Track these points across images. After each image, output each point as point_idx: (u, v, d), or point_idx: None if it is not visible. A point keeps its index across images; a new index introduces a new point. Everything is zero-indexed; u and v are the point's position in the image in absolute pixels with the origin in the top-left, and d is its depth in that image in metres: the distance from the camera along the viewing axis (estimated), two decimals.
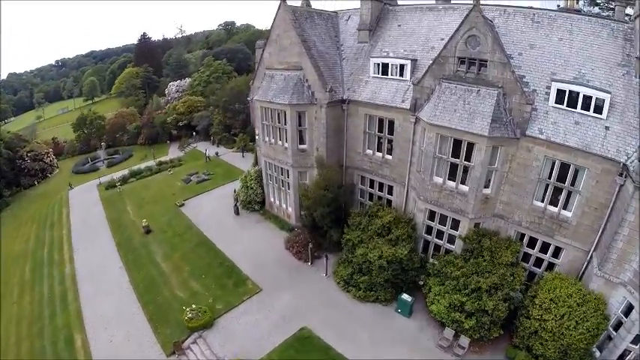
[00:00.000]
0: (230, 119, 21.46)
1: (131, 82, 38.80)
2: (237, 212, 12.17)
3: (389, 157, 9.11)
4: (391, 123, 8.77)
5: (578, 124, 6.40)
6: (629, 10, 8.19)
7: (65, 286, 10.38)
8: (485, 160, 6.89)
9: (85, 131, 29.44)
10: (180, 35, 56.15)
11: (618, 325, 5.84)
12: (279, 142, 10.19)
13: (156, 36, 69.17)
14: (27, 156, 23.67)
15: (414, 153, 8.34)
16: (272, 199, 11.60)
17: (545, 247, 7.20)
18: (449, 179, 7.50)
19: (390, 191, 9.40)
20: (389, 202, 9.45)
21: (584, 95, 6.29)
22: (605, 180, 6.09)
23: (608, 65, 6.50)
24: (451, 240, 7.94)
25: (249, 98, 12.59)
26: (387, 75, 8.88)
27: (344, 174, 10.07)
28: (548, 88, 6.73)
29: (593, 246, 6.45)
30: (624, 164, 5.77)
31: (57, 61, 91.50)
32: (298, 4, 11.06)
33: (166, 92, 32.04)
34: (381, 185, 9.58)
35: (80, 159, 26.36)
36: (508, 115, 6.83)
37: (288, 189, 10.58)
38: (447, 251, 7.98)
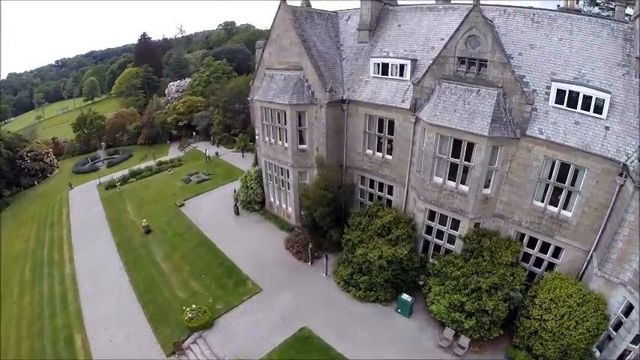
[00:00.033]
0: (230, 119, 21.47)
1: (131, 82, 38.83)
2: (237, 212, 12.17)
3: (389, 157, 9.11)
4: (391, 123, 8.77)
5: (578, 124, 6.40)
6: (629, 10, 8.20)
7: (65, 286, 10.39)
8: (485, 160, 6.89)
9: (85, 131, 29.47)
10: (180, 35, 56.25)
11: (618, 325, 5.85)
12: (279, 142, 10.20)
13: (156, 36, 69.56)
14: (27, 156, 23.68)
15: (414, 153, 8.35)
16: (272, 199, 11.61)
17: (545, 247, 7.21)
18: (449, 179, 7.50)
19: (390, 191, 9.41)
20: (389, 202, 9.45)
21: (584, 95, 6.30)
22: (605, 180, 6.10)
23: (608, 65, 6.50)
24: (451, 240, 7.94)
25: (249, 98, 12.60)
26: (387, 75, 8.88)
27: (344, 174, 10.08)
28: (548, 88, 6.74)
29: (593, 246, 6.45)
30: (624, 164, 5.77)
31: (57, 61, 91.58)
32: (298, 3, 11.09)
33: (166, 92, 32.06)
34: (381, 185, 9.58)
35: (80, 159, 26.37)
36: (508, 115, 6.84)
37: (288, 189, 10.58)
38: (447, 251, 7.99)
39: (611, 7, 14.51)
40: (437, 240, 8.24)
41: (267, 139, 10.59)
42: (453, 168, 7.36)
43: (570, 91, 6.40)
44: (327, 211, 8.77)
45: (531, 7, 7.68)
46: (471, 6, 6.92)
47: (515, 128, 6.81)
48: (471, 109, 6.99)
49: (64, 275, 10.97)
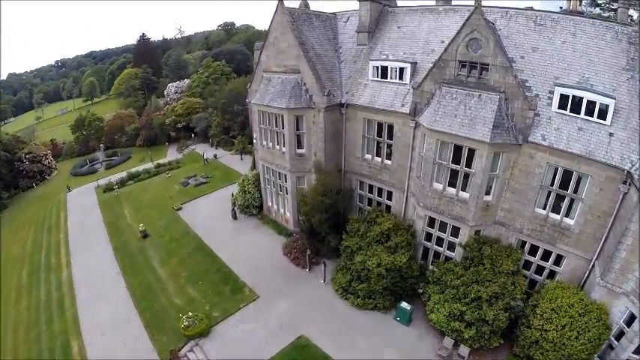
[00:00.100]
0: (228, 121, 21.37)
1: (130, 83, 38.81)
2: (234, 217, 12.06)
3: (388, 162, 8.98)
4: (390, 127, 8.63)
5: (581, 130, 6.26)
6: (631, 12, 8.00)
7: (62, 292, 10.34)
8: (487, 166, 6.76)
9: (84, 133, 29.51)
10: (179, 36, 56.10)
11: (620, 335, 5.75)
12: (277, 147, 10.07)
13: (155, 36, 69.10)
14: (25, 158, 23.71)
15: (413, 158, 8.22)
16: (270, 204, 11.49)
17: (546, 255, 7.09)
18: (449, 186, 7.37)
19: (390, 197, 9.28)
20: (388, 207, 9.33)
21: (587, 100, 6.15)
22: (608, 188, 5.96)
23: (612, 69, 6.35)
24: (451, 247, 7.83)
25: (247, 100, 12.46)
26: (387, 78, 8.73)
27: (342, 179, 9.95)
28: (551, 92, 6.59)
29: (596, 254, 6.33)
30: (628, 172, 5.64)
31: (57, 62, 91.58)
32: (297, 4, 10.91)
33: (165, 93, 32.01)
34: (380, 191, 9.46)
35: (78, 161, 26.44)
36: (510, 120, 6.70)
37: (286, 194, 10.46)
38: (447, 258, 7.88)
39: (613, 7, 14.32)
40: (437, 247, 8.12)
41: (264, 143, 10.47)
42: (454, 174, 7.23)
43: (574, 96, 6.26)
44: (325, 217, 8.67)
45: (531, 8, 7.52)
46: (473, 8, 6.76)
47: (518, 134, 6.67)
48: (472, 114, 6.85)
49: (61, 280, 10.92)
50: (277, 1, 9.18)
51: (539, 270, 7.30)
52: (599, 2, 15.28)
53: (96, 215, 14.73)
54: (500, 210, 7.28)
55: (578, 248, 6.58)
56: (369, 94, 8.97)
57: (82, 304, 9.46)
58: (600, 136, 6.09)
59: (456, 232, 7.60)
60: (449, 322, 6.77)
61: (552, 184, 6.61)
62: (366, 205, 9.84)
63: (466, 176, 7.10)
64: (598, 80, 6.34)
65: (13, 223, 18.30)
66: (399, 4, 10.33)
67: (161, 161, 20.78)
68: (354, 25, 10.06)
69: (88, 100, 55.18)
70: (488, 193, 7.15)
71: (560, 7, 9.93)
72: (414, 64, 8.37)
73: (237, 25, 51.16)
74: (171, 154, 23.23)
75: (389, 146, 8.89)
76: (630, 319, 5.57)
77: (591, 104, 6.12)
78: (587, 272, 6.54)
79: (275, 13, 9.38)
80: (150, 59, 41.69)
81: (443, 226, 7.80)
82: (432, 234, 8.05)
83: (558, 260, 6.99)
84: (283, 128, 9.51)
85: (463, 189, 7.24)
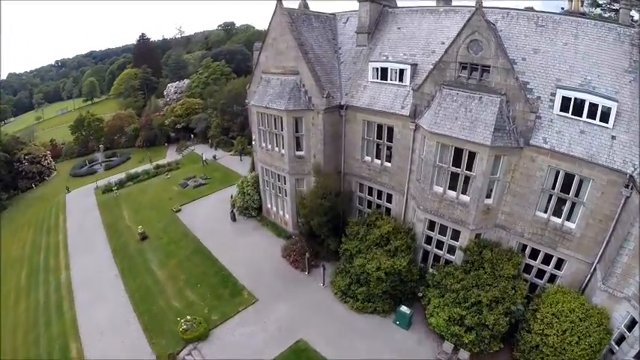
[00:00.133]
0: (228, 122, 21.33)
1: (130, 83, 38.77)
2: (233, 218, 12.00)
3: (388, 164, 8.91)
4: (390, 129, 8.57)
5: (583, 134, 6.19)
6: (633, 12, 7.90)
7: (61, 294, 10.30)
8: (488, 169, 6.70)
9: (83, 133, 29.51)
10: (179, 36, 55.93)
11: (621, 340, 5.71)
12: (276, 149, 10.00)
13: (155, 36, 69.15)
14: (24, 159, 23.69)
15: (413, 161, 8.15)
16: (269, 206, 11.44)
17: (547, 259, 7.03)
18: (449, 189, 7.31)
19: (389, 199, 9.22)
20: (388, 210, 9.27)
21: (590, 103, 6.08)
22: (610, 191, 5.90)
23: (614, 72, 6.27)
24: (451, 250, 7.77)
25: (247, 101, 12.38)
26: (386, 80, 8.66)
27: (342, 181, 9.89)
28: (553, 95, 6.52)
29: (597, 258, 6.28)
30: (630, 175, 5.58)
31: (57, 62, 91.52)
32: (296, 4, 10.83)
33: (165, 94, 31.99)
34: (379, 193, 9.39)
35: (78, 161, 26.44)
36: (511, 123, 6.62)
37: (286, 196, 10.40)
38: (447, 262, 7.82)
39: (614, 7, 14.21)
40: (437, 250, 8.07)
41: (263, 144, 10.40)
42: (454, 177, 7.17)
43: (576, 99, 6.19)
44: (324, 220, 8.61)
45: (532, 8, 7.43)
46: (473, 9, 6.68)
47: (519, 137, 6.60)
48: (472, 116, 6.78)
49: (59, 282, 10.88)
50: (276, 2, 9.10)
51: (540, 274, 7.25)
52: (599, 2, 15.19)
53: (95, 217, 14.69)
54: (501, 213, 7.22)
55: (579, 252, 6.52)
56: (369, 95, 8.90)
57: (81, 306, 9.42)
58: (602, 140, 6.02)
59: (456, 235, 7.54)
60: (449, 326, 6.72)
61: (554, 187, 6.55)
62: (365, 208, 9.78)
63: (466, 179, 7.04)
64: (600, 82, 6.27)
65: (12, 224, 18.27)
66: (399, 4, 10.23)
67: (160, 162, 20.72)
68: (353, 25, 9.98)
69: (88, 100, 55.16)
70: (488, 196, 7.09)
71: (562, 8, 9.81)
72: (414, 65, 8.29)
73: (237, 25, 51.06)
74: (171, 155, 23.19)
75: (389, 148, 8.82)
76: (631, 324, 5.54)
77: (593, 107, 6.06)
78: (589, 276, 6.49)
79: (274, 13, 9.31)
80: (149, 59, 41.63)
81: (443, 230, 7.74)
82: (432, 237, 7.99)
83: (559, 264, 6.94)
84: (282, 130, 9.45)
85: (464, 192, 7.17)
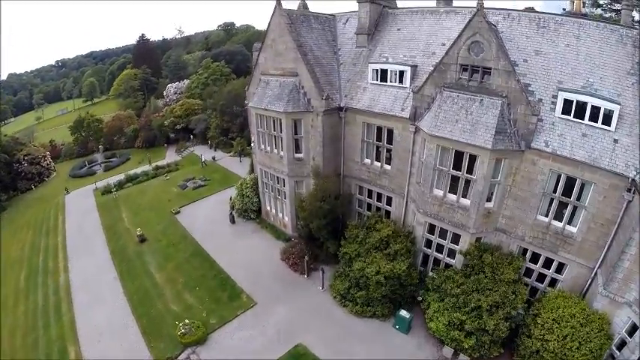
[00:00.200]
0: (227, 123, 21.26)
1: (129, 83, 38.73)
2: (232, 221, 11.96)
3: (387, 167, 8.85)
4: (390, 132, 8.49)
5: (585, 137, 6.11)
6: (634, 13, 7.80)
7: (59, 296, 10.27)
8: (488, 173, 6.63)
9: (83, 134, 29.46)
10: (179, 36, 55.80)
11: (622, 345, 5.64)
12: (275, 151, 9.94)
13: (156, 36, 68.90)
14: (24, 159, 23.64)
15: (413, 164, 8.08)
16: (268, 208, 11.38)
17: (548, 263, 6.97)
18: (450, 192, 7.24)
19: (389, 202, 9.15)
20: (387, 213, 9.20)
21: (592, 106, 6.00)
22: (612, 195, 5.83)
23: (617, 74, 6.20)
24: (451, 254, 7.71)
25: (246, 102, 12.32)
26: (386, 82, 8.59)
27: (341, 183, 9.82)
28: (555, 97, 6.44)
29: (598, 263, 6.21)
30: (633, 179, 5.51)
31: (57, 62, 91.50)
32: (296, 4, 10.75)
33: (165, 94, 31.92)
34: (379, 196, 9.32)
35: (77, 162, 26.39)
36: (513, 126, 6.55)
37: (285, 198, 10.35)
38: (447, 265, 7.76)
39: (614, 8, 14.11)
40: (437, 254, 8.01)
41: (262, 146, 10.34)
42: (454, 180, 7.10)
43: (578, 101, 6.11)
44: (323, 223, 8.55)
45: (532, 8, 7.32)
46: (474, 10, 6.60)
47: (520, 140, 6.52)
48: (473, 119, 6.70)
49: (58, 284, 10.84)
50: (275, 3, 9.02)
51: (541, 277, 7.19)
52: (600, 3, 15.09)
53: (94, 218, 14.65)
54: (502, 217, 7.15)
55: (580, 256, 6.46)
56: (369, 97, 8.83)
57: (79, 309, 9.39)
58: (605, 143, 5.94)
59: (456, 239, 7.48)
60: (448, 331, 6.67)
61: (555, 191, 6.48)
62: (365, 210, 9.72)
63: (467, 183, 6.97)
64: (602, 85, 6.19)
65: (11, 225, 18.23)
66: (399, 5, 10.14)
67: (160, 163, 20.64)
68: (353, 26, 9.90)
69: (88, 100, 55.14)
70: (489, 199, 7.02)
71: (564, 9, 9.72)
72: (414, 67, 8.22)
73: (237, 25, 50.91)
74: (170, 156, 23.11)
75: (388, 151, 8.75)
76: (632, 330, 5.47)
77: (595, 110, 5.98)
78: (590, 280, 6.43)
79: (273, 14, 9.23)
80: (149, 60, 41.57)
81: (443, 233, 7.68)
82: (432, 241, 7.93)
83: (560, 268, 6.87)
84: (281, 132, 9.39)
85: (464, 195, 7.11)
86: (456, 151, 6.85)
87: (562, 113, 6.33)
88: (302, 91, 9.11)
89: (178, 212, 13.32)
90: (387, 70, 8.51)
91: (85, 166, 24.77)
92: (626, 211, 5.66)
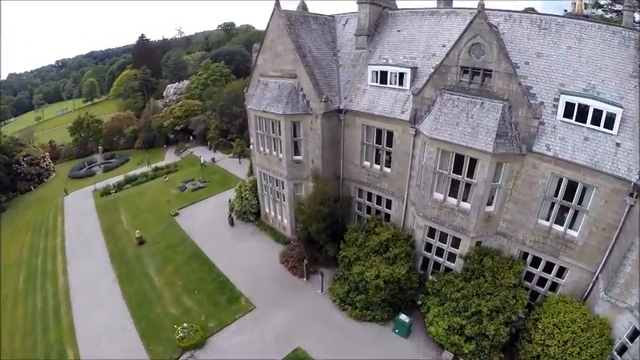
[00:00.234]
0: (227, 124, 21.19)
1: (129, 84, 38.67)
2: (231, 223, 11.90)
3: (387, 169, 8.78)
4: (390, 134, 8.44)
5: (587, 140, 6.05)
6: (636, 15, 7.73)
7: (58, 299, 10.24)
8: (489, 177, 6.57)
9: (82, 135, 29.43)
10: (179, 36, 55.66)
11: (622, 350, 5.60)
12: (274, 153, 9.89)
13: (156, 37, 68.61)
14: (23, 160, 23.62)
15: (413, 167, 8.03)
16: (267, 210, 11.33)
17: (549, 267, 6.92)
18: (450, 196, 7.19)
19: (389, 205, 9.09)
20: (387, 216, 9.15)
21: (594, 109, 5.93)
22: (614, 200, 5.77)
23: (619, 76, 6.12)
24: (451, 258, 7.66)
25: (245, 103, 12.26)
26: (386, 84, 8.52)
27: (341, 186, 9.77)
28: (557, 100, 6.37)
29: (600, 267, 6.16)
30: (635, 184, 5.44)
31: (57, 62, 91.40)
32: (295, 4, 10.67)
33: (164, 94, 31.84)
34: (379, 199, 9.27)
35: (77, 163, 26.34)
36: (514, 129, 6.48)
37: (284, 201, 10.30)
38: (447, 269, 7.71)
39: (615, 9, 14.01)
40: (437, 257, 7.96)
41: (261, 149, 10.28)
42: (455, 184, 7.05)
43: (580, 104, 6.05)
44: (322, 227, 8.51)
45: (533, 9, 7.23)
46: (475, 11, 6.53)
47: (521, 144, 6.46)
48: (474, 122, 6.64)
49: (57, 287, 10.81)
50: (274, 4, 8.95)
51: (542, 282, 7.14)
52: (601, 3, 14.99)
53: (93, 220, 14.61)
54: (503, 221, 7.10)
55: (581, 261, 6.41)
56: (368, 99, 8.76)
57: (78, 312, 9.37)
58: (607, 147, 5.88)
59: (456, 242, 7.43)
60: (448, 335, 6.62)
61: (556, 195, 6.42)
62: (365, 213, 9.67)
63: (467, 186, 6.92)
64: (605, 88, 6.12)
65: (11, 226, 18.22)
66: (399, 6, 10.06)
67: (159, 164, 20.57)
68: (353, 27, 9.83)
69: (88, 100, 55.11)
70: (490, 203, 6.96)
71: (565, 10, 9.63)
72: (414, 69, 8.15)
73: (237, 25, 50.75)
74: (170, 157, 23.04)
75: (388, 154, 8.69)
76: (633, 334, 5.43)
77: (598, 113, 5.91)
78: (591, 285, 6.38)
79: (271, 15, 9.16)
80: (149, 60, 41.48)
81: (443, 237, 7.63)
82: (431, 244, 7.88)
83: (561, 272, 6.82)
84: (280, 134, 9.33)
85: (464, 199, 7.05)
86: (456, 154, 6.80)
87: (564, 116, 6.26)
88: (301, 93, 9.05)
89: (177, 214, 13.27)
90: (386, 71, 8.45)
91: (85, 167, 24.72)
92: (628, 215, 5.61)
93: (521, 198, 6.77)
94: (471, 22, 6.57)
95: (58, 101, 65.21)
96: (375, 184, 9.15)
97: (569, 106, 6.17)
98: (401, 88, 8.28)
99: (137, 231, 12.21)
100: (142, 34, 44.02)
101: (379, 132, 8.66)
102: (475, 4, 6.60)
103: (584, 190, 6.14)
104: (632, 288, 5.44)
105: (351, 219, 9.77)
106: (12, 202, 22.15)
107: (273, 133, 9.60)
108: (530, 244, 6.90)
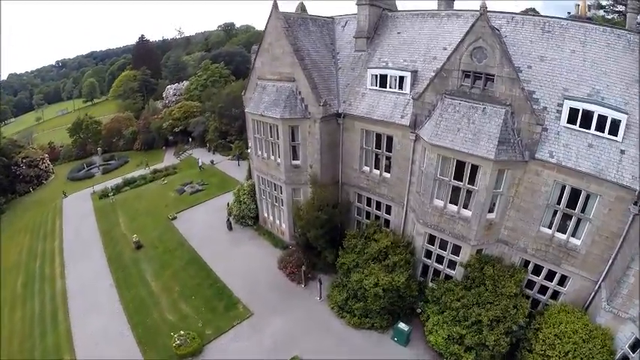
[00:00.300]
0: (226, 125, 21.09)
1: (129, 85, 38.58)
2: (230, 227, 11.81)
3: (387, 175, 8.66)
4: (389, 139, 8.30)
5: (591, 147, 5.90)
6: (639, 17, 7.54)
7: (56, 304, 10.18)
8: (491, 184, 6.43)
9: (82, 136, 29.35)
10: (179, 36, 55.47)
11: (624, 359, 5.47)
12: (272, 157, 9.77)
13: (155, 37, 68.30)
14: (22, 162, 23.55)
15: (413, 172, 7.90)
16: (266, 215, 11.24)
17: (550, 275, 6.80)
18: (450, 203, 7.06)
19: (388, 211, 8.97)
20: (387, 222, 9.03)
21: (598, 115, 5.78)
22: (618, 208, 5.64)
23: (624, 81, 5.97)
24: (452, 265, 7.54)
25: (244, 105, 12.11)
26: (386, 87, 8.37)
27: (340, 191, 9.65)
28: (560, 105, 6.22)
29: (602, 276, 6.04)
30: (639, 192, 5.33)
31: (57, 62, 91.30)
32: (295, 5, 10.49)
33: (164, 95, 31.72)
34: (378, 204, 9.15)
35: (76, 165, 26.21)
36: (516, 135, 6.34)
37: (282, 205, 10.20)
38: (447, 277, 7.60)
39: (617, 9, 13.80)
40: (437, 265, 7.85)
41: (259, 153, 10.17)
42: (455, 191, 6.92)
43: (584, 110, 5.89)
44: (321, 233, 8.41)
45: (533, 9, 7.06)
46: (477, 13, 6.40)
47: (524, 150, 6.31)
48: (475, 128, 6.50)
49: (55, 291, 10.76)
50: (272, 5, 8.81)
51: (543, 290, 7.03)
52: (603, 4, 14.77)
53: (91, 223, 14.55)
54: (504, 228, 6.97)
55: (584, 269, 6.29)
56: (368, 103, 8.62)
57: (76, 316, 9.31)
58: (611, 154, 5.74)
59: (457, 250, 7.31)
60: (448, 344, 6.53)
61: (559, 202, 6.29)
62: (364, 219, 9.55)
63: (468, 193, 6.79)
64: (609, 93, 5.97)
65: (9, 228, 18.21)
66: (399, 7, 9.89)
67: (158, 166, 20.52)
68: (352, 29, 9.67)
69: (88, 101, 55.05)
70: (491, 211, 6.84)
71: (569, 13, 9.44)
72: (414, 72, 8.00)
73: (237, 25, 50.48)
74: (168, 159, 22.96)
75: (388, 159, 8.57)
76: (635, 345, 5.34)
77: (602, 119, 5.77)
78: (593, 294, 6.26)
79: (269, 17, 9.01)
80: (149, 61, 41.32)
81: (443, 244, 7.51)
82: (431, 251, 7.77)
83: (562, 281, 6.71)
84: (278, 139, 9.21)
85: (465, 206, 6.92)
86: (457, 161, 6.67)
87: (567, 122, 6.12)
88: (299, 97, 8.92)
89: (175, 218, 13.19)
90: (386, 75, 8.30)
91: (84, 168, 24.58)
92: (632, 224, 5.49)
93: (523, 205, 6.64)
94: (472, 25, 6.42)
95: (58, 101, 65.18)
96: (374, 190, 9.04)
97: (573, 112, 6.02)
98: (401, 92, 8.14)
99: (135, 235, 12.11)
100: (142, 35, 44.11)
101: (379, 137, 8.53)
102: (477, 6, 6.44)
103: (587, 197, 6.01)
104: (634, 299, 5.34)
105: (351, 224, 9.66)
106: (11, 204, 22.12)
107: (271, 137, 9.48)
108: (532, 252, 6.78)
